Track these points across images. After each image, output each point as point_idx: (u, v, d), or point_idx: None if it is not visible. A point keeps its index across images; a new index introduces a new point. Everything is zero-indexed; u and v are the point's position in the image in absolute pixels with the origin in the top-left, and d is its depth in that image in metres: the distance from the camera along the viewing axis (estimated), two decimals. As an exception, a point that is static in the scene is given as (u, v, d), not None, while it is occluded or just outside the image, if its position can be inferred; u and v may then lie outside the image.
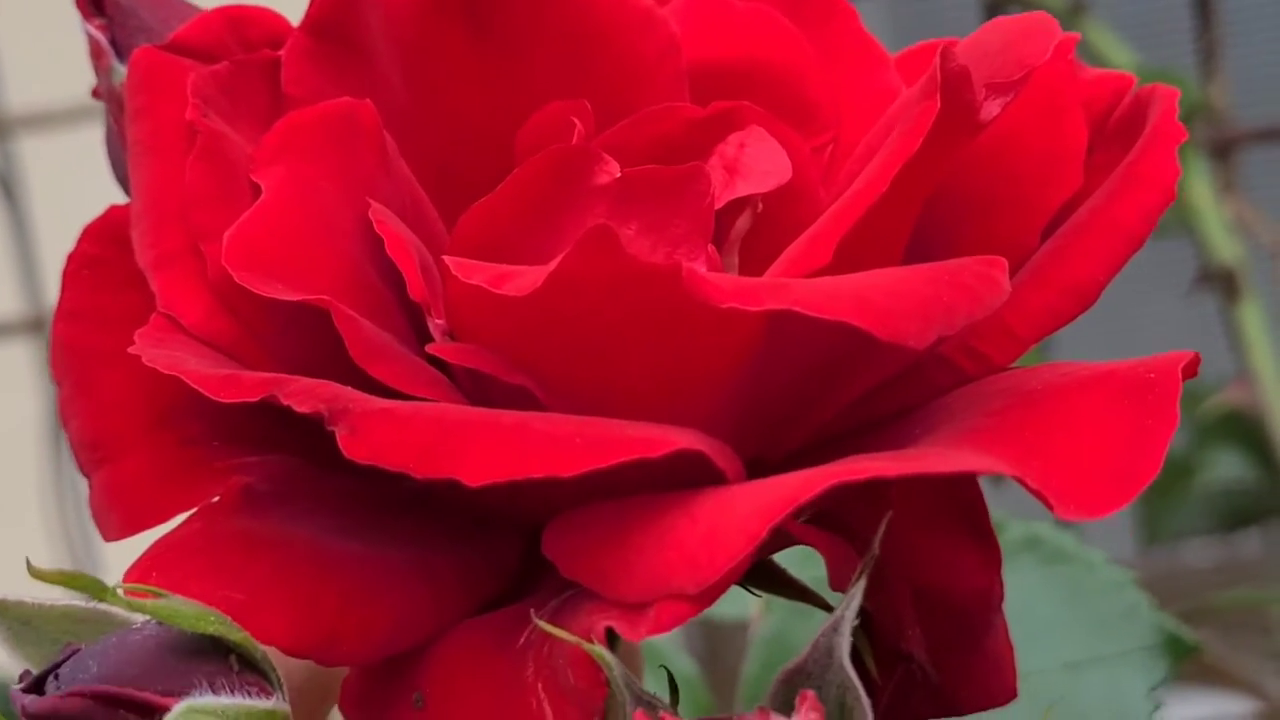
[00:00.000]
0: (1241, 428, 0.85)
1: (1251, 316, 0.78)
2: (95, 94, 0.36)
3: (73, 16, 0.37)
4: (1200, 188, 0.81)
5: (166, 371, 0.28)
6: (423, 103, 0.34)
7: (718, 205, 0.33)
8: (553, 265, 0.27)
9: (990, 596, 0.33)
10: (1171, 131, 0.33)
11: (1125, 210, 0.32)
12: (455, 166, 0.35)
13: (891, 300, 0.27)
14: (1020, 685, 0.34)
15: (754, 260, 0.35)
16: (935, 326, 0.28)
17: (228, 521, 0.30)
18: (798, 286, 0.27)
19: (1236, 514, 0.85)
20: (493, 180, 0.35)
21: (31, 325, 0.97)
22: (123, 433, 0.32)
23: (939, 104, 0.29)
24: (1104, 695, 0.51)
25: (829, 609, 0.32)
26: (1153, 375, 0.29)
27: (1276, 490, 0.79)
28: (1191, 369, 0.29)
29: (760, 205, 0.34)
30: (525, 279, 0.28)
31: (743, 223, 0.35)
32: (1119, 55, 0.83)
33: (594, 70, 0.35)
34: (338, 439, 0.27)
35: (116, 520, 0.32)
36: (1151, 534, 0.87)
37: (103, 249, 0.33)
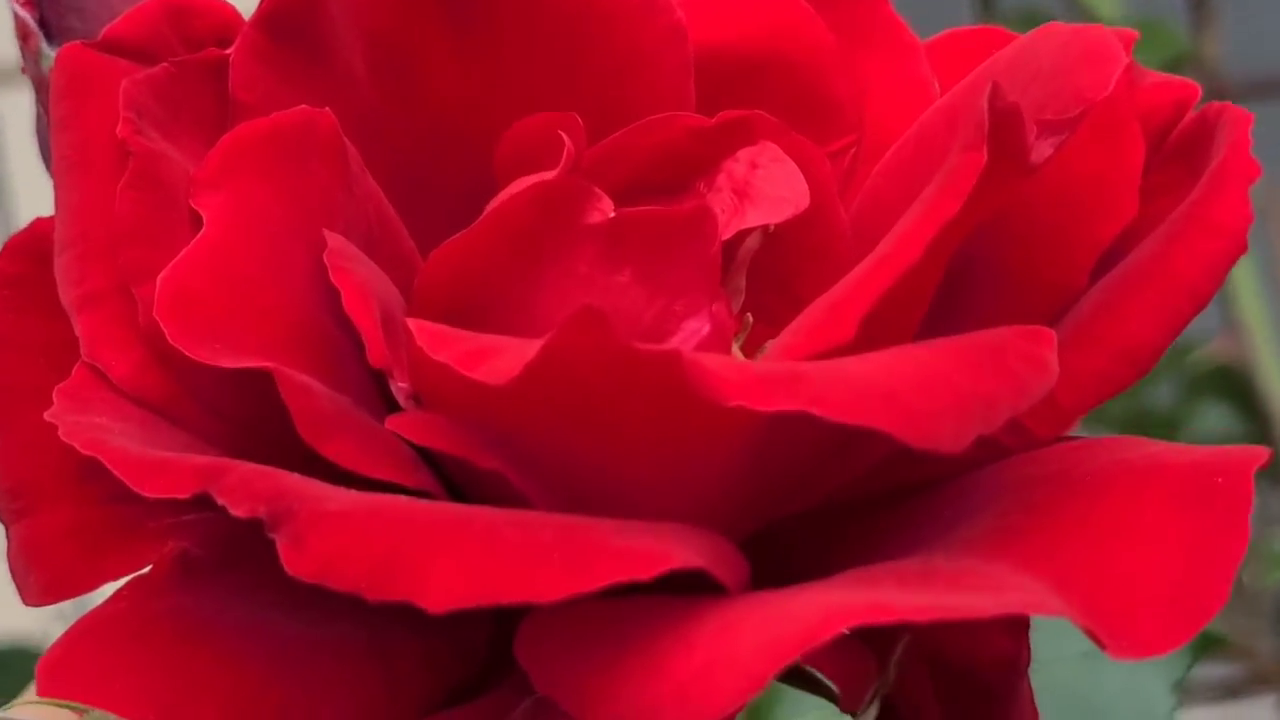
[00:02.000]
0: (1229, 381, 0.82)
1: (1241, 269, 0.75)
2: (24, 72, 0.32)
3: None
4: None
5: (85, 452, 0.25)
6: (393, 102, 0.30)
7: (726, 236, 0.29)
8: (532, 352, 0.23)
9: (1017, 663, 0.30)
10: (1244, 168, 0.29)
11: (1188, 261, 0.28)
12: (430, 173, 0.31)
13: (922, 398, 0.23)
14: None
15: (763, 282, 0.31)
16: (972, 425, 0.24)
17: (160, 599, 0.26)
18: (814, 379, 0.23)
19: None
20: (472, 189, 0.31)
21: None
22: (46, 482, 0.28)
23: (985, 158, 0.25)
24: (1122, 688, 0.48)
25: (836, 701, 0.29)
26: (1220, 479, 0.25)
27: (1264, 444, 0.77)
28: (1265, 465, 0.26)
29: (772, 226, 0.30)
30: (501, 363, 0.24)
31: (752, 242, 0.31)
32: (1107, 6, 0.79)
33: (590, 62, 0.31)
34: (279, 551, 0.23)
35: (36, 584, 0.28)
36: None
37: (27, 267, 0.29)
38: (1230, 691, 0.73)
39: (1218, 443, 0.73)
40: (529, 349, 0.24)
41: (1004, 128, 0.26)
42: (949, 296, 0.29)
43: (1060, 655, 0.49)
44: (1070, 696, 0.47)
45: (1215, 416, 0.82)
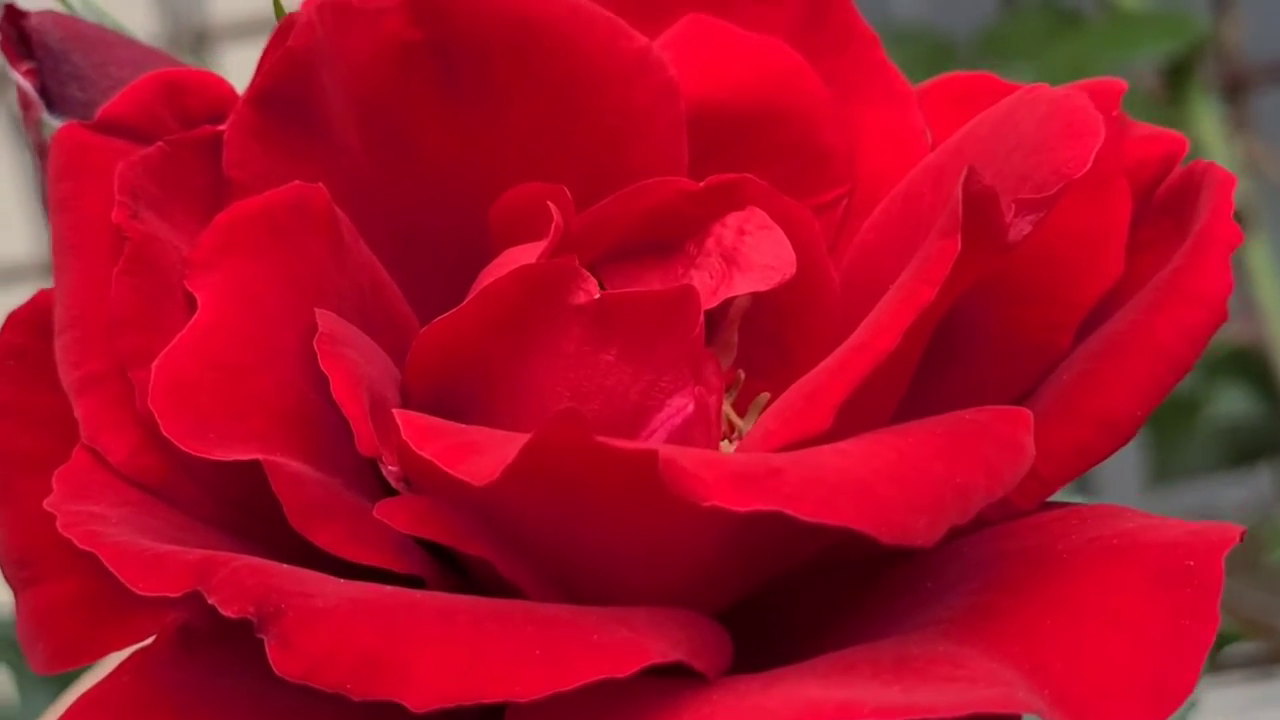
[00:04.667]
0: (1247, 363, 0.82)
1: (1259, 253, 0.76)
2: (26, 136, 0.32)
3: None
4: (1207, 125, 0.78)
5: (82, 546, 0.25)
6: (387, 167, 0.31)
7: (713, 304, 0.30)
8: (513, 454, 0.24)
9: None
10: (1225, 234, 0.29)
11: (1169, 332, 0.28)
12: (425, 234, 0.31)
13: (897, 492, 0.24)
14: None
15: (754, 337, 0.32)
16: (947, 518, 0.24)
17: (160, 674, 0.27)
18: (791, 477, 0.24)
19: (1243, 450, 0.83)
20: (466, 248, 0.32)
21: (43, 269, 0.95)
22: (51, 553, 0.29)
23: (959, 246, 0.25)
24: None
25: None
26: (1192, 562, 0.25)
27: (1280, 427, 0.77)
28: (1235, 542, 0.26)
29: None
30: (483, 462, 0.24)
31: (742, 301, 0.31)
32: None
33: (582, 122, 0.32)
34: (267, 651, 0.24)
35: (44, 652, 0.29)
36: (1160, 472, 0.84)
37: (30, 340, 0.30)
38: (1251, 670, 0.74)
39: (1238, 423, 0.73)
40: (510, 448, 0.24)
41: (979, 210, 0.26)
42: (933, 355, 0.30)
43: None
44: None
45: (1233, 398, 0.82)
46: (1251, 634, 0.69)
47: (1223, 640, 0.49)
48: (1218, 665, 0.72)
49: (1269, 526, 0.68)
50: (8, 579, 0.30)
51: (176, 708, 0.27)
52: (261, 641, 0.27)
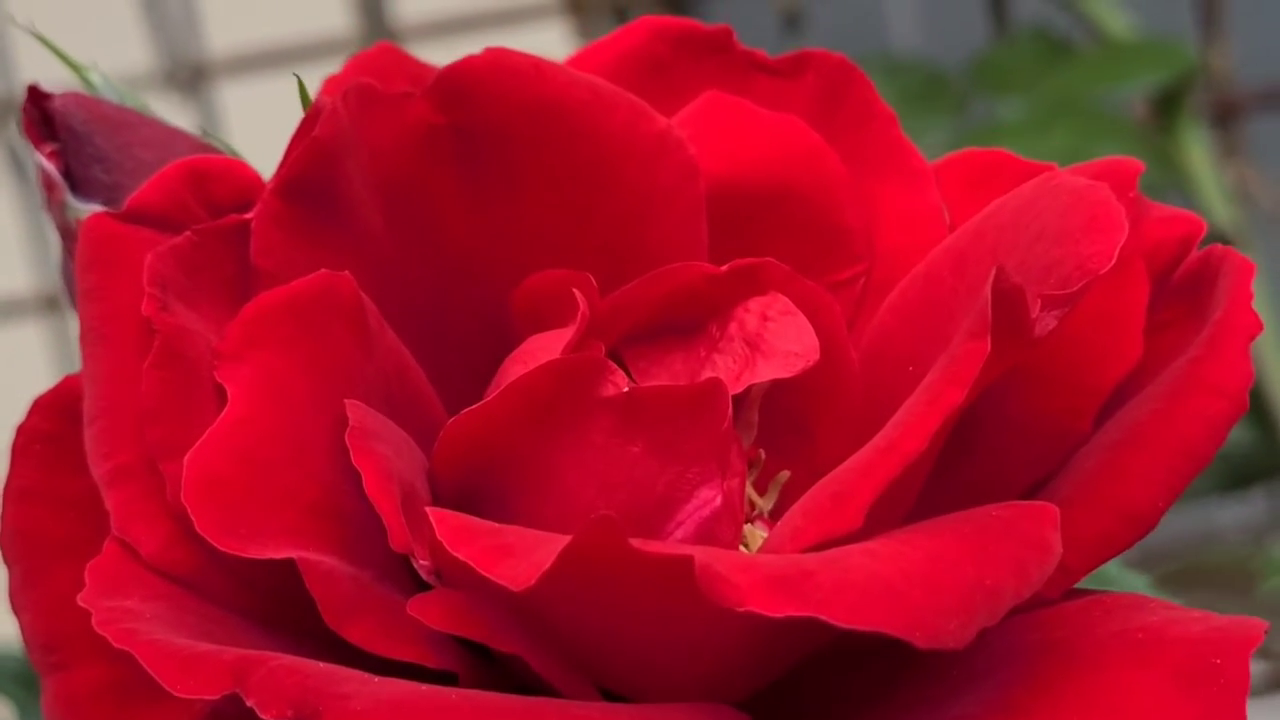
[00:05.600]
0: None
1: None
2: (49, 216, 0.32)
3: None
4: (1196, 154, 0.79)
5: (117, 645, 0.25)
6: (412, 251, 0.31)
7: (737, 390, 0.30)
8: (550, 560, 0.24)
9: None
10: (1244, 323, 0.29)
11: (1189, 422, 0.28)
12: (449, 316, 0.32)
13: (928, 596, 0.24)
14: None
15: (775, 417, 0.32)
16: (978, 620, 0.25)
17: None
18: (824, 581, 0.24)
19: (1236, 476, 0.83)
20: (489, 330, 0.32)
21: (44, 303, 0.95)
22: (79, 638, 0.29)
23: (988, 348, 0.26)
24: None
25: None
26: (1218, 660, 0.26)
27: (1273, 452, 0.77)
28: (1260, 641, 0.26)
29: (783, 375, 0.31)
30: (521, 566, 0.25)
31: (764, 383, 0.31)
32: (1115, 19, 0.79)
33: (604, 202, 0.32)
34: None
35: None
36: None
37: (56, 425, 0.30)
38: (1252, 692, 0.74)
39: (1231, 449, 0.73)
40: (546, 552, 0.24)
41: (1008, 309, 0.26)
42: (953, 439, 0.30)
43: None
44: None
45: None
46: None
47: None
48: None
49: (1262, 556, 0.69)
50: (35, 663, 0.30)
51: None
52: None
